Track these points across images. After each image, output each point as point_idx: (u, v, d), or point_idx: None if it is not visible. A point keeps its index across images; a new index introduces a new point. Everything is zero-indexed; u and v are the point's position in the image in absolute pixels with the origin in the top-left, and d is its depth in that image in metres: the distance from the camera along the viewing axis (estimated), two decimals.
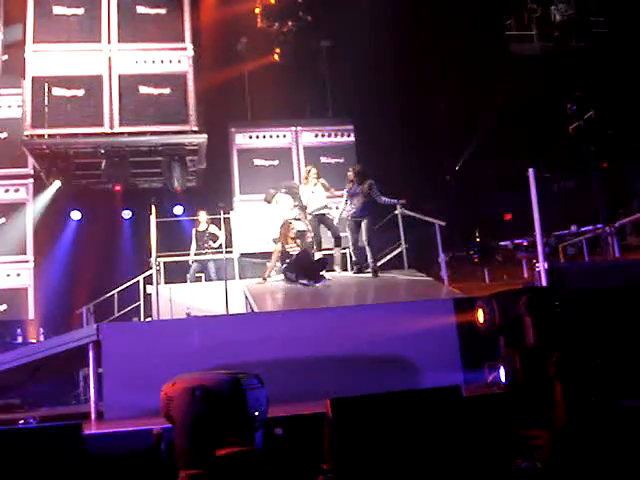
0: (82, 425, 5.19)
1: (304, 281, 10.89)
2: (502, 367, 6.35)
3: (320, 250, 12.33)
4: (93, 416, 7.71)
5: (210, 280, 12.67)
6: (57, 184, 13.34)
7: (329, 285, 10.98)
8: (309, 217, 12.32)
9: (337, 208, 12.18)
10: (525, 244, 12.29)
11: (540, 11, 16.50)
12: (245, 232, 13.77)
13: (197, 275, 12.94)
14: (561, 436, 5.36)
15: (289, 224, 11.68)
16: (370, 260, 11.56)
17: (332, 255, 12.52)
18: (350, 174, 11.85)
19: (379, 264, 11.98)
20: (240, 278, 12.78)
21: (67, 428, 5.19)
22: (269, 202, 12.72)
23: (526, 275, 11.99)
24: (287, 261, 11.13)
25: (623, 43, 15.67)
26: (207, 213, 12.98)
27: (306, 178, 12.56)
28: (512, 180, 12.25)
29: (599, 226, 11.62)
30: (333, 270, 12.25)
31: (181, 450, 4.97)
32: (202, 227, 13.04)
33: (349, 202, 11.69)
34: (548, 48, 16.50)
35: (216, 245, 12.71)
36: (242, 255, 13.59)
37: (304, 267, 11.06)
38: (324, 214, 12.33)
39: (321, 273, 11.10)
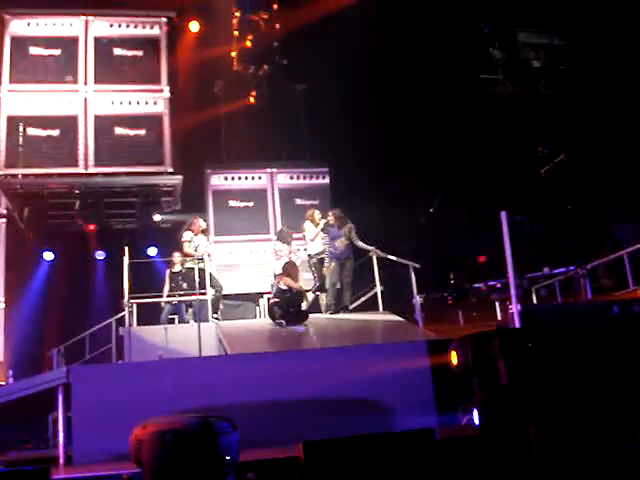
0: (50, 469, 5.09)
1: (282, 321, 10.87)
2: (476, 409, 6.33)
3: (321, 291, 12.45)
4: (62, 460, 7.57)
5: (184, 322, 12.54)
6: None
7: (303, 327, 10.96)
8: (313, 260, 12.36)
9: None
10: (498, 286, 12.38)
11: (506, 57, 16.83)
12: (220, 274, 13.70)
13: (170, 317, 12.77)
14: (534, 479, 5.35)
15: (295, 264, 11.70)
16: (347, 301, 11.99)
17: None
18: (330, 218, 12.13)
19: (354, 305, 12.31)
20: (217, 319, 12.68)
21: (34, 472, 5.08)
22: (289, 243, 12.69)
23: (500, 317, 12.03)
24: (286, 295, 11.10)
25: (592, 88, 16.02)
26: (181, 255, 12.86)
27: (313, 221, 12.57)
28: (486, 222, 12.34)
29: (571, 268, 11.71)
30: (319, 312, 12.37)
31: None
32: (176, 268, 12.93)
33: (330, 244, 12.03)
34: (519, 92, 16.79)
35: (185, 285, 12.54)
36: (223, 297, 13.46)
37: (292, 309, 11.06)
38: (323, 258, 12.41)
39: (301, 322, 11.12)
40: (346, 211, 12.58)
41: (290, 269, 11.50)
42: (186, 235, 12.21)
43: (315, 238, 12.41)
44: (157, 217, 14.13)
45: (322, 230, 12.37)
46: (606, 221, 15.82)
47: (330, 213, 12.40)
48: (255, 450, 6.25)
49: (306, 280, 12.71)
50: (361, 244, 12.07)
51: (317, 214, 12.59)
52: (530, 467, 5.49)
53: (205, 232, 12.43)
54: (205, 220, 12.89)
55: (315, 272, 12.39)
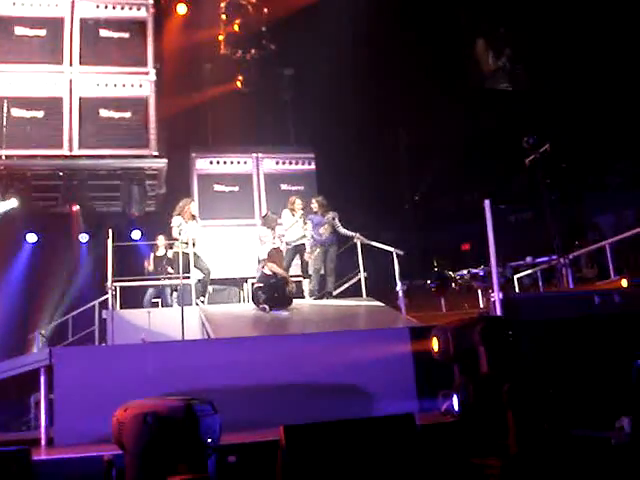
0: (31, 450, 5.09)
1: (265, 306, 10.89)
2: (455, 396, 6.38)
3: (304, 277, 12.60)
4: (43, 442, 7.56)
5: (168, 306, 12.53)
6: (12, 203, 13.08)
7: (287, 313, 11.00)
8: (289, 247, 12.33)
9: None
10: (481, 274, 12.42)
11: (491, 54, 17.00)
12: (204, 258, 13.67)
13: (154, 301, 12.76)
14: (513, 464, 5.41)
15: (280, 250, 11.70)
16: (331, 287, 12.04)
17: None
18: (315, 205, 12.17)
19: (337, 291, 12.43)
20: (203, 303, 12.68)
21: (15, 453, 5.09)
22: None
23: (482, 305, 12.10)
24: (270, 281, 11.12)
25: (577, 81, 16.15)
26: (165, 238, 12.83)
27: (292, 209, 12.40)
28: (470, 210, 12.39)
29: (554, 257, 11.79)
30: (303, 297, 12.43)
31: (132, 477, 4.90)
32: (160, 252, 12.91)
33: (314, 231, 12.06)
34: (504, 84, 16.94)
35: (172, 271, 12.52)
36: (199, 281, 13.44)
37: (276, 294, 11.08)
38: (303, 244, 12.32)
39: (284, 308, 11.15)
40: (331, 198, 12.61)
41: (275, 255, 11.51)
42: (175, 220, 12.10)
43: (292, 227, 12.32)
44: (136, 209, 13.88)
45: (304, 217, 12.32)
46: (590, 211, 15.94)
47: (314, 200, 12.43)
48: (236, 434, 6.27)
49: (295, 266, 12.77)
50: (344, 231, 12.14)
51: (298, 203, 12.49)
52: (508, 453, 5.55)
53: (194, 217, 12.33)
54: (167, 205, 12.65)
55: (289, 260, 12.30)
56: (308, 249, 12.25)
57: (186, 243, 11.75)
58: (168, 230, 12.18)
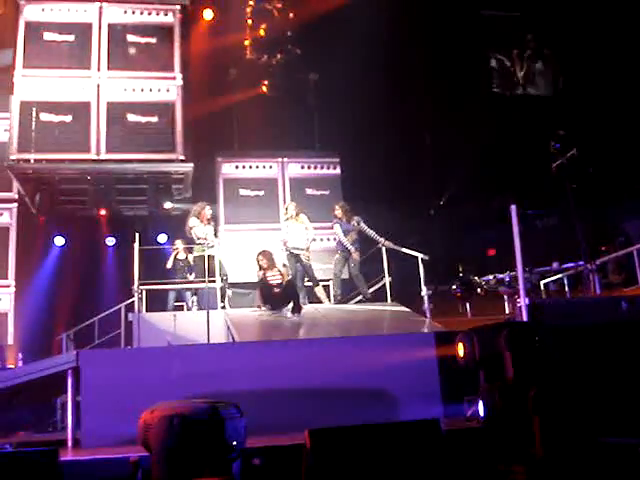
0: (58, 451, 5.14)
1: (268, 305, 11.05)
2: (481, 401, 6.36)
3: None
4: (70, 443, 7.63)
5: (189, 309, 12.55)
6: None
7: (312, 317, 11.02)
8: (287, 253, 12.29)
9: (321, 240, 12.40)
10: (507, 279, 12.36)
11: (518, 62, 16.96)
12: (229, 262, 13.74)
13: (176, 304, 12.79)
14: (538, 471, 5.37)
15: (270, 252, 11.66)
16: (366, 291, 12.12)
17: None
18: (338, 211, 12.19)
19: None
20: (223, 308, 12.73)
21: (43, 454, 5.13)
22: None
23: (508, 310, 12.03)
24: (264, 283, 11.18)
25: (604, 85, 16.03)
26: (183, 242, 12.76)
27: (292, 216, 12.38)
28: (496, 216, 12.34)
29: (580, 263, 11.69)
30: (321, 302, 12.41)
31: (157, 479, 4.92)
32: (181, 256, 12.93)
33: (343, 238, 12.10)
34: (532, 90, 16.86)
35: (192, 277, 12.53)
36: (229, 285, 13.48)
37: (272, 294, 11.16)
38: (299, 255, 12.20)
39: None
40: (356, 202, 12.63)
41: (264, 256, 11.48)
42: (192, 221, 12.13)
43: (294, 232, 12.23)
44: (168, 204, 14.17)
45: (335, 220, 12.31)
46: (617, 217, 15.77)
47: (337, 206, 12.42)
48: (262, 437, 6.29)
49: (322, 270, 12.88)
50: (372, 232, 12.15)
51: (291, 209, 12.42)
52: (534, 460, 5.51)
53: (210, 221, 12.33)
54: (211, 209, 12.69)
55: (290, 266, 12.21)
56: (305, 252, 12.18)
57: (211, 246, 11.80)
58: (186, 232, 12.21)
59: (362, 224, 12.15)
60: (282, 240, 12.27)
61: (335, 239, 12.57)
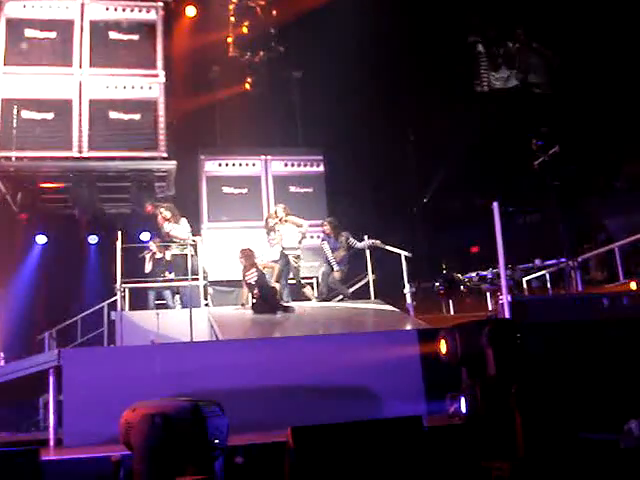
0: (40, 451, 5.11)
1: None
2: (463, 398, 6.38)
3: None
4: (52, 443, 7.59)
5: (170, 308, 12.44)
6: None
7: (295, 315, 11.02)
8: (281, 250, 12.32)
9: (311, 237, 12.72)
10: (490, 277, 12.39)
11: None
12: (212, 260, 13.70)
13: (158, 302, 12.67)
14: (521, 467, 5.40)
15: (249, 250, 11.66)
16: (344, 291, 12.27)
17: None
18: (327, 227, 12.19)
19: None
20: (207, 306, 12.69)
21: (24, 454, 5.11)
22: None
23: (490, 307, 12.08)
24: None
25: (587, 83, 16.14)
26: (159, 241, 12.59)
27: (280, 219, 12.47)
28: (479, 213, 12.38)
29: (562, 260, 11.75)
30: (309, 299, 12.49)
31: (140, 478, 4.91)
32: (158, 255, 12.80)
33: (330, 255, 12.10)
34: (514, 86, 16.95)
35: (172, 275, 12.46)
36: (210, 283, 13.45)
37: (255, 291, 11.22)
38: (288, 256, 12.26)
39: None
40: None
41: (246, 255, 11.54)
42: (167, 227, 12.14)
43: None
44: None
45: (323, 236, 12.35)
46: (599, 214, 15.87)
47: (325, 222, 12.42)
48: (244, 435, 6.29)
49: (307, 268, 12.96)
50: (361, 245, 12.21)
51: (279, 211, 12.55)
52: (516, 455, 5.54)
53: (177, 216, 12.28)
54: (176, 207, 12.62)
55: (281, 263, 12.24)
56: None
57: (194, 245, 11.77)
58: (162, 233, 12.19)
59: (351, 239, 12.13)
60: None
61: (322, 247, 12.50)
